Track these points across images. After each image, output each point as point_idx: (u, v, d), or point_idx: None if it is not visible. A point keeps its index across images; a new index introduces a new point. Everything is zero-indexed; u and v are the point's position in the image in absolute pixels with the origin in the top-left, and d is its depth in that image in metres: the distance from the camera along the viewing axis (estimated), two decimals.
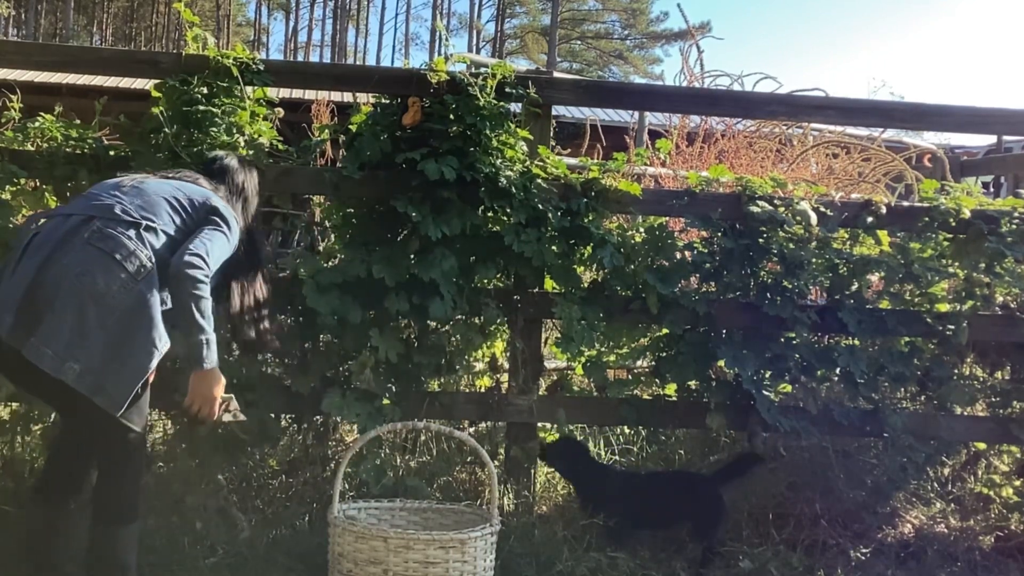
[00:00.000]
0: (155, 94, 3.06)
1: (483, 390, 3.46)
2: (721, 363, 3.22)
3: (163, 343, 2.19)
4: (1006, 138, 7.07)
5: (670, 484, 3.17)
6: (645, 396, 3.43)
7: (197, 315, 2.16)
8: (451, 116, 3.08)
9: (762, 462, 3.21)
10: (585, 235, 3.16)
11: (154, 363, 2.18)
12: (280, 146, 3.21)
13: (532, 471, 3.29)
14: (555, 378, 3.81)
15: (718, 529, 3.03)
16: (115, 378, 2.13)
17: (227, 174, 2.58)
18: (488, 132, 3.07)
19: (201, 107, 2.98)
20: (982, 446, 3.55)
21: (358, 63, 38.94)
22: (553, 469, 3.28)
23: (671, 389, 3.40)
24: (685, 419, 3.39)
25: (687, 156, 5.07)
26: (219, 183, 2.52)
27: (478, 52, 36.82)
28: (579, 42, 42.65)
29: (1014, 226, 3.29)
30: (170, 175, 2.45)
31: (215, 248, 2.27)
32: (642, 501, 3.03)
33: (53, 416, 2.98)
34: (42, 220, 2.32)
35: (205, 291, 2.19)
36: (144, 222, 2.23)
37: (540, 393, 3.41)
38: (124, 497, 2.29)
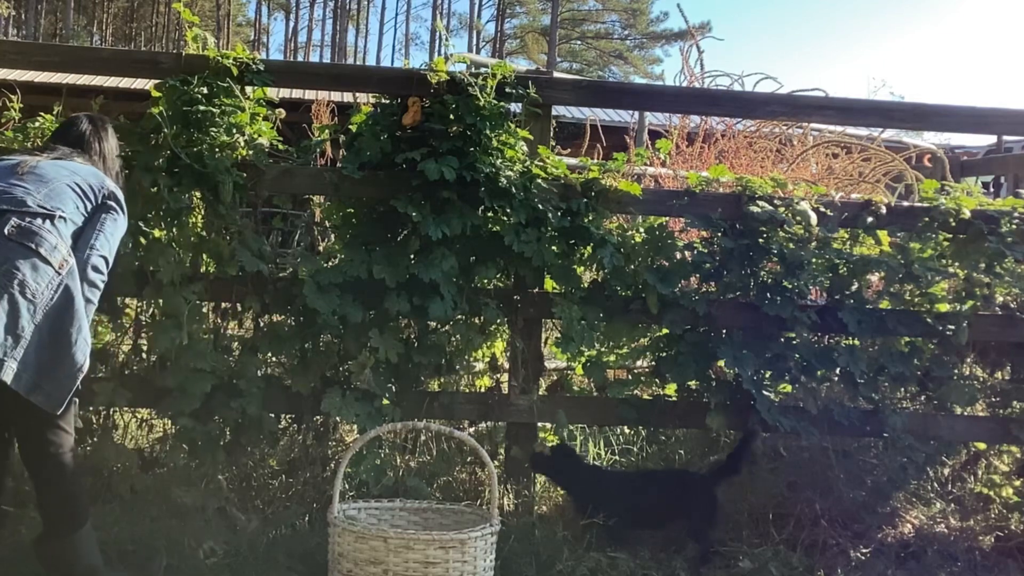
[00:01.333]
0: (155, 94, 3.06)
1: (483, 390, 3.46)
2: (721, 363, 3.22)
3: (90, 339, 2.23)
4: (1006, 138, 7.07)
5: (664, 483, 3.17)
6: (645, 396, 3.43)
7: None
8: (451, 116, 3.08)
9: (755, 458, 3.21)
10: (585, 235, 3.16)
11: (88, 359, 2.20)
12: (280, 146, 3.21)
13: (532, 471, 3.28)
14: (555, 378, 3.81)
15: (714, 527, 3.03)
16: (52, 376, 2.12)
17: (91, 143, 2.56)
18: (488, 132, 3.07)
19: (201, 107, 2.98)
20: (982, 446, 3.55)
21: (358, 63, 38.98)
22: (544, 477, 3.27)
23: (671, 389, 3.40)
24: (685, 419, 3.39)
25: (687, 156, 5.08)
26: (88, 153, 2.52)
27: (478, 52, 36.83)
28: (579, 42, 42.67)
29: (1014, 226, 3.29)
30: (51, 155, 2.42)
31: (115, 239, 2.36)
32: (637, 501, 3.02)
33: None
34: None
35: (96, 297, 2.27)
36: (56, 213, 2.22)
37: (540, 393, 3.41)
38: (73, 502, 2.29)
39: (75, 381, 2.18)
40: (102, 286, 2.29)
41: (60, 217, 2.22)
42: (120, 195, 2.44)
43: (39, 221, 2.18)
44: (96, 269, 2.27)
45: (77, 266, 2.22)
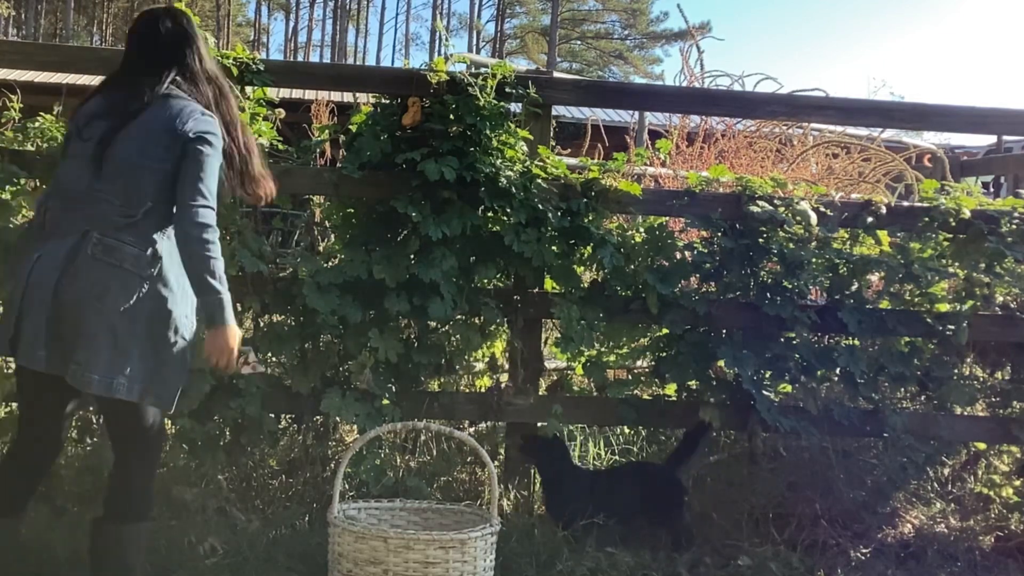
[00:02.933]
0: None
1: (483, 390, 3.46)
2: (721, 363, 3.22)
3: (191, 330, 2.23)
4: (1006, 138, 7.07)
5: (629, 477, 3.18)
6: (645, 396, 3.43)
7: (210, 279, 2.14)
8: (451, 116, 3.08)
9: (708, 431, 3.21)
10: (585, 235, 3.16)
11: (189, 352, 2.22)
12: (280, 146, 3.21)
13: (532, 471, 3.28)
14: (555, 378, 3.81)
15: (682, 512, 3.07)
16: (160, 379, 2.17)
17: (176, 69, 2.27)
18: (488, 132, 3.07)
19: None
20: (982, 446, 3.55)
21: (358, 63, 38.97)
22: (530, 463, 3.27)
23: (671, 389, 3.40)
24: (685, 419, 3.38)
25: (687, 156, 5.08)
26: (179, 73, 2.27)
27: (478, 52, 36.82)
28: (579, 42, 42.67)
29: (1014, 226, 3.29)
30: (131, 99, 2.22)
31: (210, 181, 2.18)
32: (607, 497, 3.03)
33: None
34: (36, 242, 2.22)
35: (216, 251, 2.15)
36: (137, 213, 2.16)
37: (540, 393, 3.41)
38: (135, 491, 2.27)
39: (183, 378, 2.22)
40: (212, 240, 2.14)
41: (144, 213, 2.16)
42: (209, 127, 2.20)
43: (121, 234, 2.14)
44: (195, 227, 2.12)
45: (176, 237, 2.16)
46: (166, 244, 2.19)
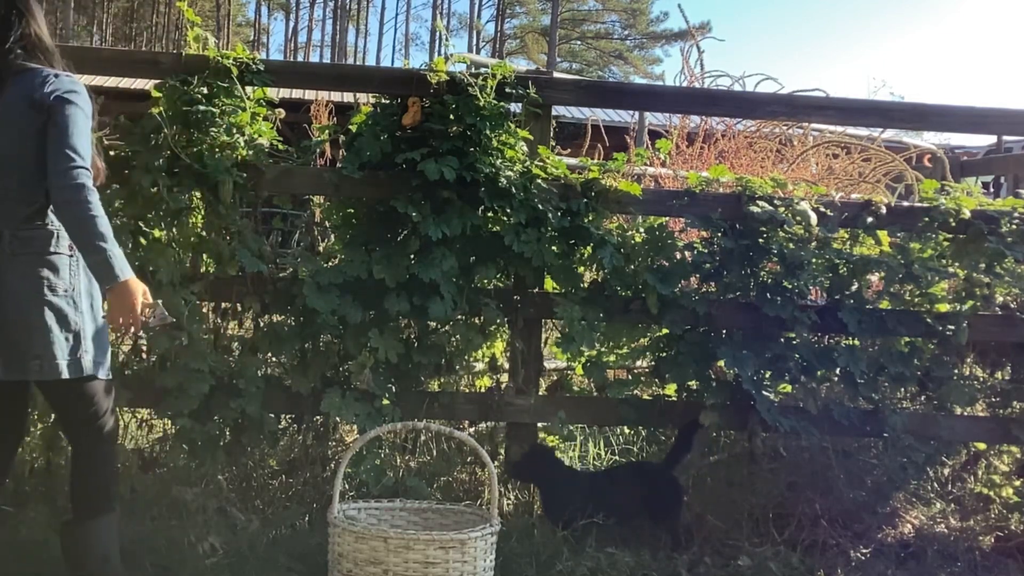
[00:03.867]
0: (155, 94, 3.06)
1: (483, 390, 3.46)
2: (721, 363, 3.22)
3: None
4: (1006, 138, 7.07)
5: (626, 477, 3.18)
6: (645, 396, 3.43)
7: (95, 239, 2.05)
8: (451, 116, 3.08)
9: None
10: (585, 235, 3.16)
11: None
12: (280, 146, 3.21)
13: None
14: (555, 378, 3.81)
15: (679, 511, 3.07)
16: (104, 347, 2.22)
17: (13, 40, 2.19)
18: (488, 132, 3.07)
19: (201, 107, 2.97)
20: (982, 446, 3.55)
21: (358, 63, 38.98)
22: (522, 482, 3.26)
23: (671, 389, 3.40)
24: (685, 419, 3.38)
25: (687, 156, 5.08)
26: (17, 44, 2.18)
27: (478, 52, 36.83)
28: (579, 42, 42.68)
29: (1014, 226, 3.29)
30: None
31: (78, 140, 2.09)
32: (603, 497, 3.03)
33: (53, 416, 2.98)
34: None
35: (97, 209, 2.06)
36: (40, 197, 2.12)
37: (540, 393, 3.41)
38: (99, 485, 2.28)
39: (108, 344, 2.26)
40: (89, 199, 2.05)
41: (45, 197, 2.12)
42: (66, 83, 2.13)
43: (30, 225, 2.12)
44: (70, 189, 2.04)
45: (53, 201, 2.08)
46: None
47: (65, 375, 2.11)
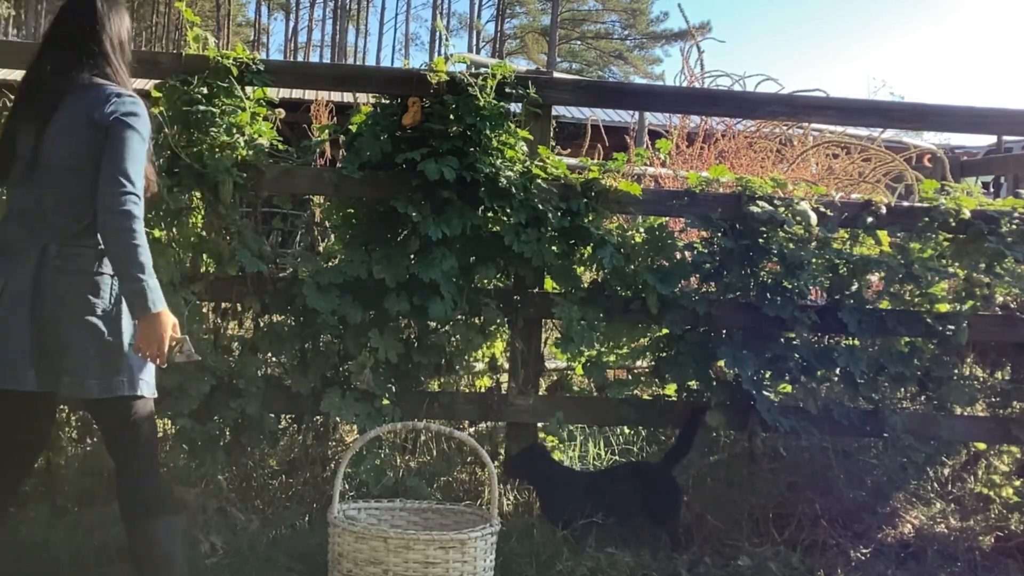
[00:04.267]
0: (155, 94, 3.06)
1: (483, 390, 3.46)
2: (721, 363, 3.22)
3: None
4: (1006, 138, 7.07)
5: (625, 477, 3.18)
6: (645, 396, 3.43)
7: (132, 265, 2.04)
8: (451, 116, 3.08)
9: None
10: (585, 235, 3.16)
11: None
12: (280, 146, 3.21)
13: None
14: (555, 378, 3.81)
15: (677, 511, 3.07)
16: (146, 367, 2.16)
17: (89, 50, 2.19)
18: (488, 132, 3.07)
19: (201, 107, 2.97)
20: (982, 446, 3.55)
21: (358, 63, 38.98)
22: (518, 480, 3.26)
23: (671, 389, 3.40)
24: (685, 419, 3.39)
25: (687, 156, 5.07)
26: (86, 55, 2.19)
27: (478, 52, 36.83)
28: (579, 42, 42.68)
29: (1014, 226, 3.29)
30: (44, 99, 2.16)
31: (131, 165, 2.07)
32: (602, 497, 3.04)
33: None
34: None
35: (139, 239, 2.05)
36: (89, 215, 2.11)
37: (540, 393, 3.41)
38: (147, 488, 2.26)
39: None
40: (135, 227, 2.03)
41: (93, 214, 2.10)
42: (129, 105, 2.11)
43: (76, 242, 2.11)
44: (117, 214, 2.02)
45: (98, 223, 2.05)
46: None
47: (94, 395, 2.09)
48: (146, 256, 2.06)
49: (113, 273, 2.11)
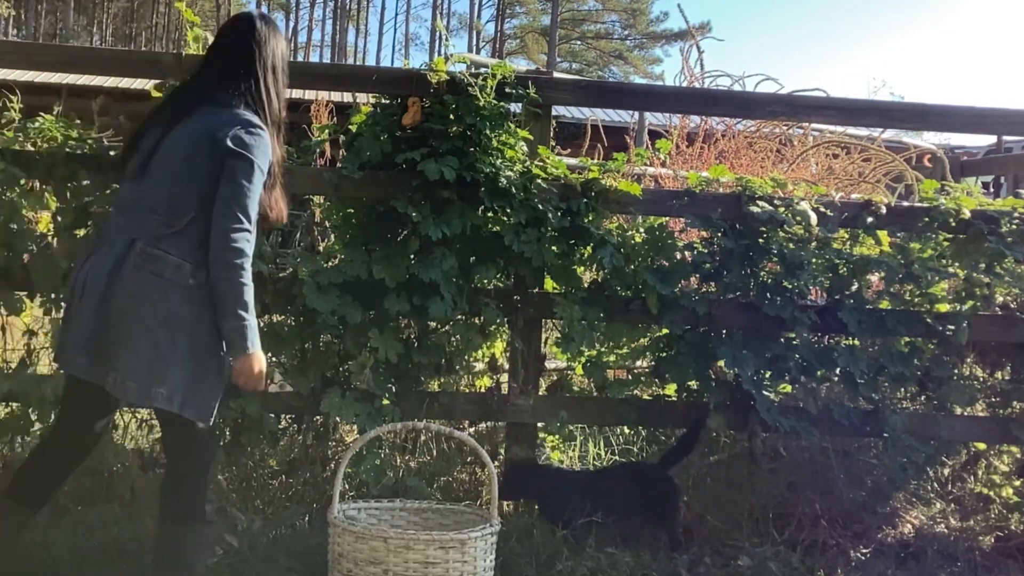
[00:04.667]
0: (155, 94, 3.06)
1: (483, 390, 3.46)
2: (721, 363, 3.22)
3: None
4: (1006, 138, 7.07)
5: (622, 477, 3.18)
6: (645, 396, 3.43)
7: (236, 303, 2.11)
8: (451, 116, 3.08)
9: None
10: (585, 235, 3.16)
11: (226, 363, 2.20)
12: None
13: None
14: (555, 378, 3.81)
15: (676, 511, 3.08)
16: (199, 390, 2.15)
17: (234, 68, 2.26)
18: (488, 132, 3.06)
19: None
20: (982, 446, 3.55)
21: (358, 63, 38.98)
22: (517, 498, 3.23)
23: (671, 389, 3.40)
24: (685, 419, 3.38)
25: (687, 156, 5.08)
26: (235, 86, 2.25)
27: (478, 52, 36.84)
28: (579, 42, 42.69)
29: (1014, 226, 3.29)
30: (179, 107, 2.24)
31: (247, 202, 2.12)
32: (600, 498, 3.03)
33: (52, 417, 2.98)
34: (89, 253, 2.24)
35: (246, 278, 2.11)
36: (180, 223, 2.14)
37: (540, 393, 3.41)
38: (189, 495, 2.28)
39: (220, 390, 2.19)
40: (243, 267, 2.10)
41: (191, 221, 2.14)
42: (254, 139, 2.14)
43: (162, 244, 2.12)
44: (227, 251, 2.08)
45: (210, 258, 2.11)
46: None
47: (130, 399, 2.10)
48: (250, 295, 2.12)
49: (187, 285, 2.12)
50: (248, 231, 2.13)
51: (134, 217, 2.17)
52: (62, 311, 2.26)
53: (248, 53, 2.27)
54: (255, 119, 2.21)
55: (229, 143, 2.12)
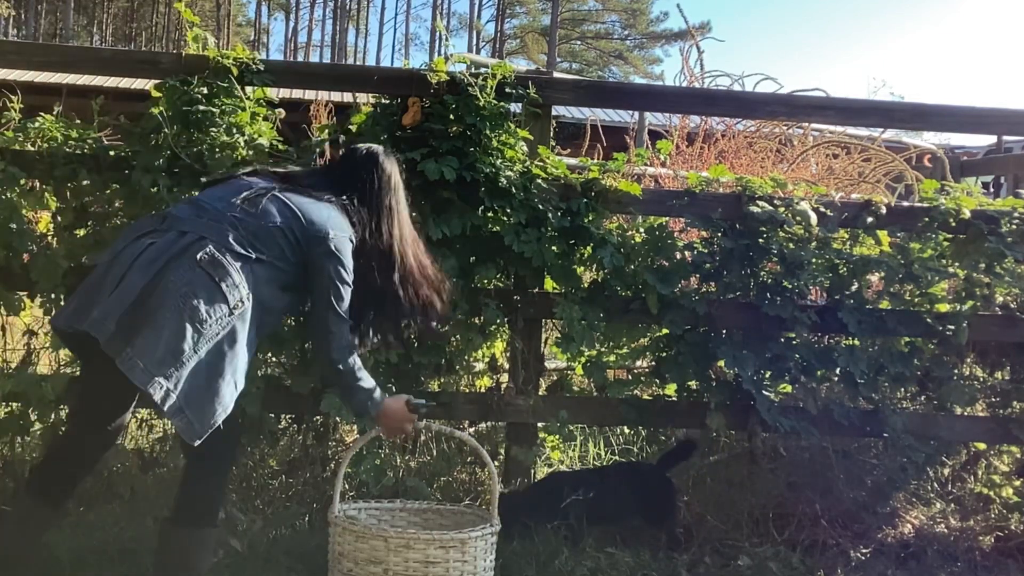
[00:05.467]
0: (155, 94, 3.06)
1: (483, 390, 3.46)
2: (721, 363, 3.22)
3: (242, 383, 2.17)
4: (1006, 138, 7.09)
5: (620, 477, 3.18)
6: (645, 396, 3.43)
7: (358, 393, 2.36)
8: (451, 116, 3.08)
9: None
10: (585, 235, 3.16)
11: (234, 400, 2.15)
12: (280, 146, 3.21)
13: (532, 471, 3.28)
14: (555, 378, 3.81)
15: (674, 511, 3.09)
16: (199, 406, 2.08)
17: (351, 182, 2.47)
18: (488, 132, 3.07)
19: (201, 107, 2.97)
20: (982, 446, 3.55)
21: (358, 63, 39.00)
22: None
23: (671, 389, 3.40)
24: (685, 419, 3.39)
25: (687, 156, 5.08)
26: (351, 191, 2.44)
27: (478, 52, 36.85)
28: (579, 42, 42.70)
29: (1014, 226, 3.29)
30: (295, 188, 2.37)
31: (340, 300, 2.30)
32: (597, 498, 3.02)
33: (52, 417, 2.98)
34: (149, 230, 2.24)
35: (360, 372, 2.35)
36: (252, 254, 2.19)
37: (540, 393, 3.41)
38: (199, 497, 2.28)
39: (220, 417, 2.12)
40: (352, 367, 2.33)
41: (259, 260, 2.20)
42: (341, 242, 2.30)
43: (231, 258, 2.14)
44: (334, 359, 2.31)
45: (318, 359, 2.41)
46: (261, 294, 2.20)
47: (134, 378, 2.04)
48: (365, 380, 2.36)
49: (232, 305, 2.12)
50: (344, 321, 2.32)
51: (212, 221, 2.20)
52: (92, 276, 2.22)
53: (381, 188, 2.51)
54: (351, 229, 2.39)
55: (320, 236, 2.29)
